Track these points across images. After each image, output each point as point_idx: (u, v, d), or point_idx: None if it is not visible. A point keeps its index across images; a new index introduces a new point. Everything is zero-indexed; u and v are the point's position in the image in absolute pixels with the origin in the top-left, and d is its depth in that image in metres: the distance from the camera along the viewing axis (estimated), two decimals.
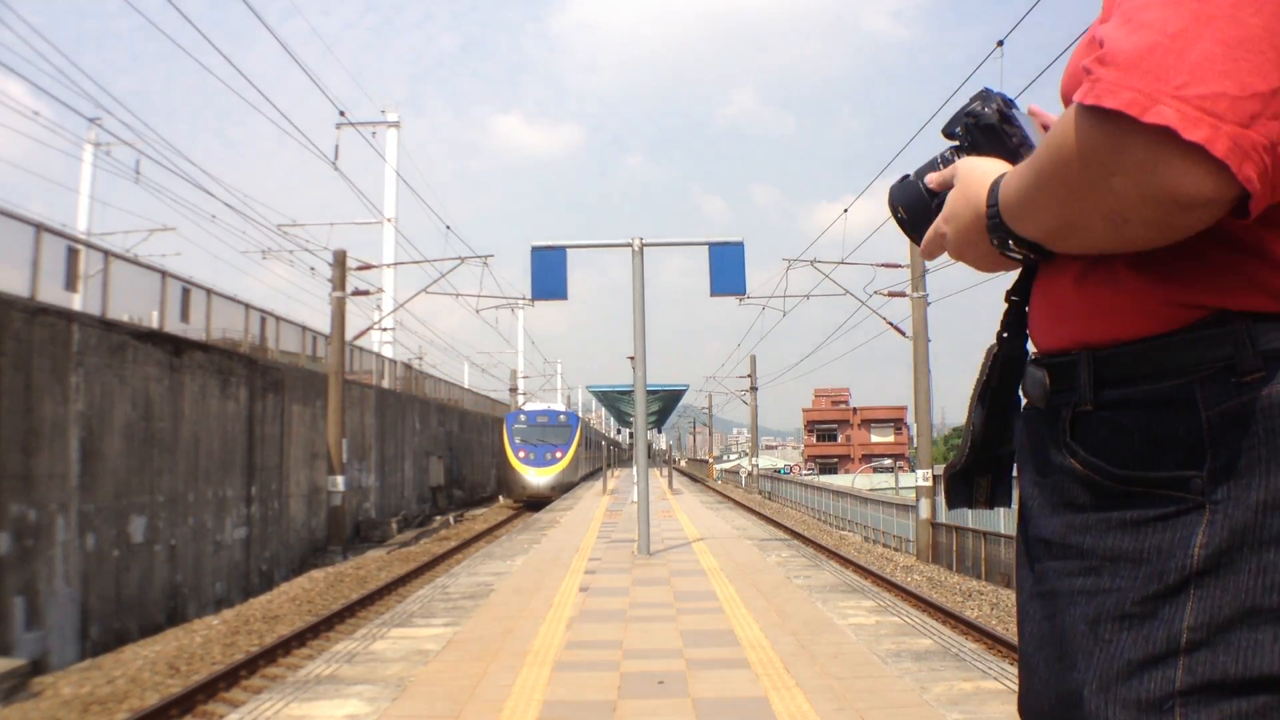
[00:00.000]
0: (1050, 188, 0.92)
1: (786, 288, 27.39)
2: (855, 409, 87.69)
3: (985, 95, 1.20)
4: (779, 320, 40.41)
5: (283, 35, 14.45)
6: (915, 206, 1.24)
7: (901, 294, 22.51)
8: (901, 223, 1.27)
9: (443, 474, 35.28)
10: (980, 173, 1.08)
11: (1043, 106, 1.26)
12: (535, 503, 30.01)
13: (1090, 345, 1.00)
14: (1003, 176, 1.03)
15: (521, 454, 32.42)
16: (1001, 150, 1.14)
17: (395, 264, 29.62)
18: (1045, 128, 1.18)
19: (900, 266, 22.61)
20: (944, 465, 1.18)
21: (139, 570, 13.26)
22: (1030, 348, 1.14)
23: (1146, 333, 0.95)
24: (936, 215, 1.17)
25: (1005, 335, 1.16)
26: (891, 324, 22.88)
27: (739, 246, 11.30)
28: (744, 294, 12.66)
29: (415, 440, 32.17)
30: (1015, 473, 1.14)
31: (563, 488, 32.18)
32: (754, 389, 50.29)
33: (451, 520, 29.17)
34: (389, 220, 34.15)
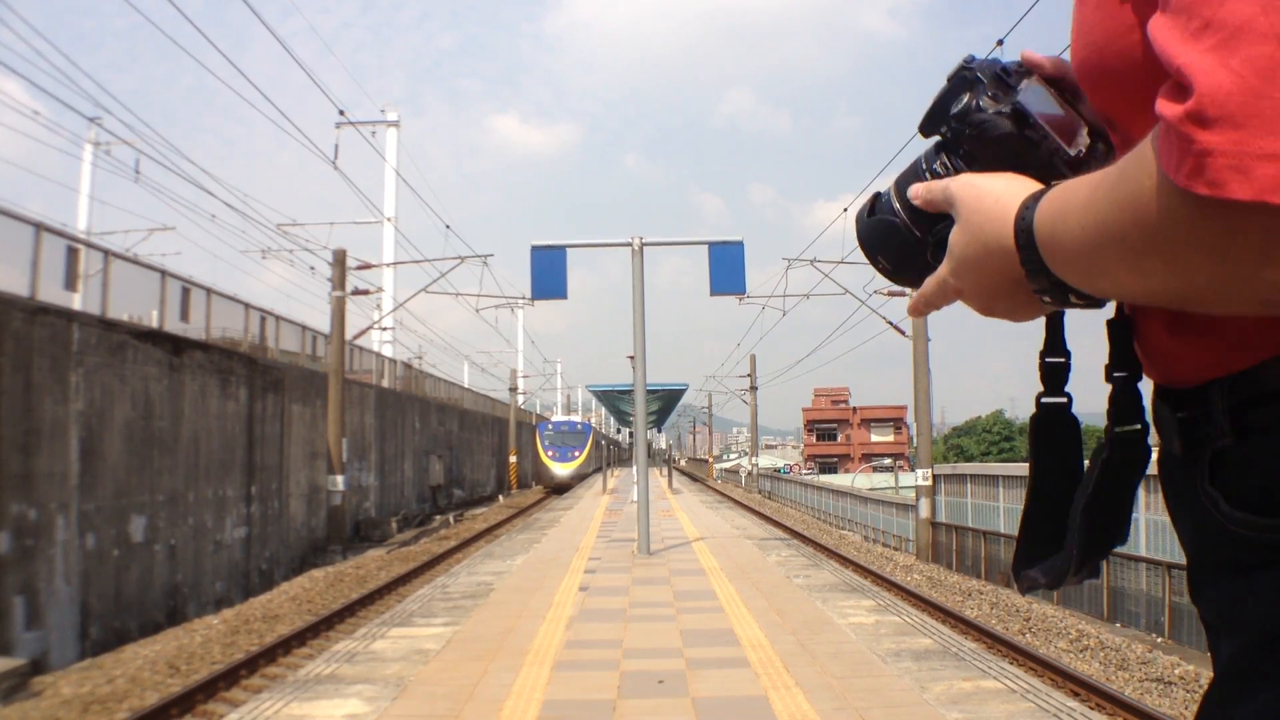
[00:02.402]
0: (1152, 270, 0.64)
1: (786, 287, 27.47)
2: (855, 408, 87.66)
3: (972, 79, 0.85)
4: (779, 320, 40.44)
5: (282, 34, 14.45)
6: (899, 250, 0.90)
7: (901, 293, 22.49)
8: (887, 273, 0.93)
9: (442, 473, 35.43)
10: (993, 201, 0.79)
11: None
12: (559, 488, 40.86)
13: (1227, 373, 0.74)
14: (1033, 202, 0.75)
15: (550, 453, 43.57)
16: (1014, 161, 0.82)
17: (395, 263, 29.65)
18: (1047, 79, 0.86)
19: None
20: (1018, 553, 0.88)
21: (139, 570, 13.26)
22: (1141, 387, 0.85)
23: None
24: (934, 250, 0.86)
25: (1118, 374, 0.82)
26: (891, 323, 22.89)
27: (739, 246, 11.30)
28: (743, 293, 12.67)
29: (415, 439, 32.20)
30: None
31: (579, 478, 43.23)
32: (754, 388, 50.25)
33: (451, 520, 29.17)
34: (389, 220, 34.12)
